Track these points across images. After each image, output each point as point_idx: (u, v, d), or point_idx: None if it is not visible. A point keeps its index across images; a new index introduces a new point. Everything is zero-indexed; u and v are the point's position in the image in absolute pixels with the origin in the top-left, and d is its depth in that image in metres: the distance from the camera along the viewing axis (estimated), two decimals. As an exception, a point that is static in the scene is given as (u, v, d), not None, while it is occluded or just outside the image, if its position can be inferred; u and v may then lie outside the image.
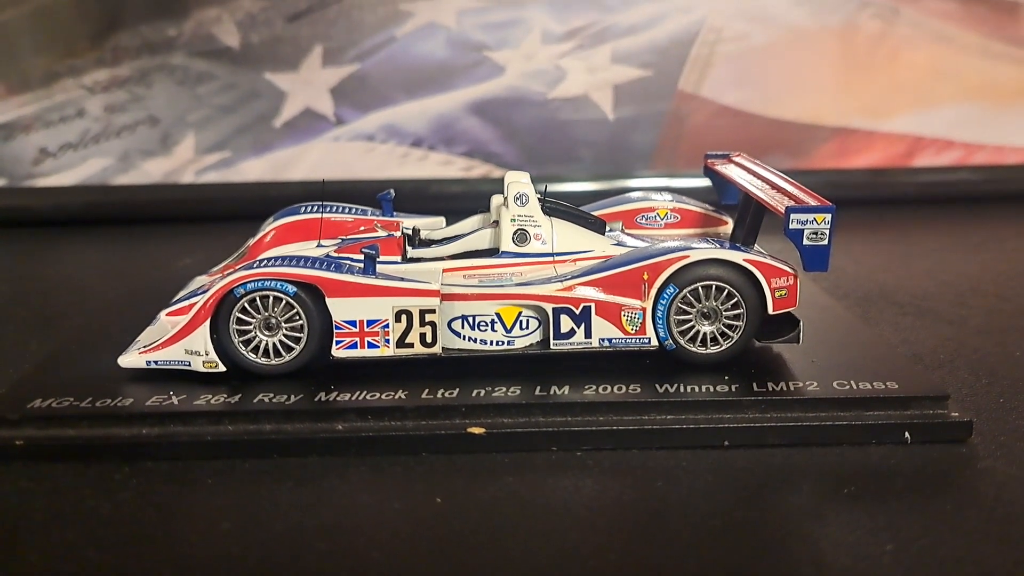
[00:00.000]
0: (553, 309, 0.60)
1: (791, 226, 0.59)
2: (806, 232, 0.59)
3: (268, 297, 0.59)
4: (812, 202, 0.60)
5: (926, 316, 0.79)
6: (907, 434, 0.55)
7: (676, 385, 0.58)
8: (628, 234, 0.70)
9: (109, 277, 0.96)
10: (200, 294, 0.62)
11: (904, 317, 0.79)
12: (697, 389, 0.58)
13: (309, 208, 0.73)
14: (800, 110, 1.21)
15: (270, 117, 1.17)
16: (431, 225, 0.74)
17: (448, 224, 0.74)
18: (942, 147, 1.22)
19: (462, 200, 1.12)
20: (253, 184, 1.18)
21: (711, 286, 0.60)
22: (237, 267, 0.64)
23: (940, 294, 0.85)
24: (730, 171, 0.73)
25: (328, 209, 0.73)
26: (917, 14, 1.19)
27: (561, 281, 0.61)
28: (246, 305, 0.59)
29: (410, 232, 0.70)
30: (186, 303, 0.64)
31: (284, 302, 0.59)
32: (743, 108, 1.21)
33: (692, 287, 0.60)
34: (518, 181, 0.66)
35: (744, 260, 0.60)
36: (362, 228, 0.73)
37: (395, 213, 0.75)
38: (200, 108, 1.16)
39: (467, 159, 1.19)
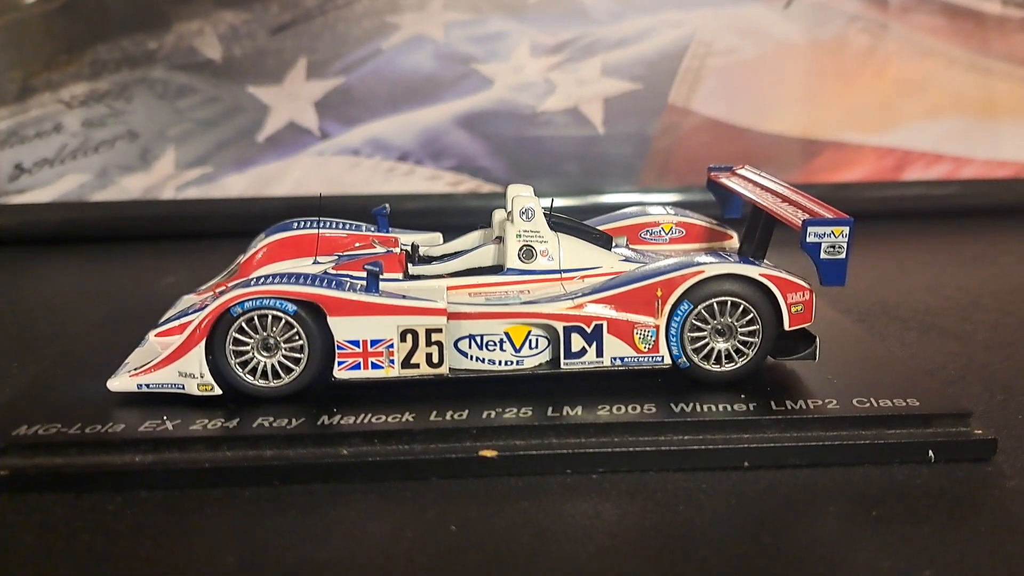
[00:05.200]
0: (564, 328, 0.58)
1: (808, 239, 0.57)
2: (823, 245, 0.57)
3: (267, 316, 0.57)
4: (827, 215, 0.59)
5: (931, 331, 0.78)
6: (931, 453, 0.54)
7: (692, 404, 0.56)
8: (634, 249, 0.68)
9: (89, 297, 0.93)
10: (193, 313, 0.59)
11: (909, 332, 0.78)
12: (714, 408, 0.56)
13: (302, 224, 0.71)
14: (790, 124, 1.21)
15: (253, 131, 1.14)
16: (428, 241, 0.72)
17: (446, 240, 0.72)
18: (931, 161, 1.22)
19: (451, 215, 1.11)
20: (235, 200, 1.14)
21: (726, 302, 0.58)
22: (231, 285, 0.61)
23: (942, 309, 0.84)
24: (736, 184, 0.71)
25: (323, 225, 0.70)
26: (905, 29, 1.19)
27: (571, 299, 0.59)
28: (243, 324, 0.57)
29: (409, 248, 0.68)
30: (178, 323, 0.61)
31: (283, 321, 0.57)
32: (733, 122, 1.20)
33: (707, 303, 0.58)
34: (522, 195, 0.64)
35: (760, 275, 0.58)
36: (358, 244, 0.70)
37: (391, 229, 0.73)
38: (181, 122, 1.13)
39: (454, 173, 1.17)
